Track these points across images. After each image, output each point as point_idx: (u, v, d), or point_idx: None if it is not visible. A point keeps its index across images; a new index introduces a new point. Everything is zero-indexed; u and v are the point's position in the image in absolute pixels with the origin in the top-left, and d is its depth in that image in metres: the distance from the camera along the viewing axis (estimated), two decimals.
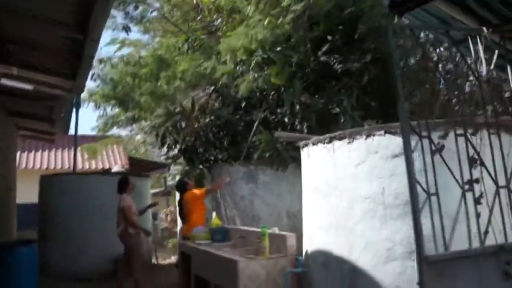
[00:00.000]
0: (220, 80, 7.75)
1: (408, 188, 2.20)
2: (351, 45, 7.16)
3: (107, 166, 15.97)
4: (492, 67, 2.34)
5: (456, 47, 2.40)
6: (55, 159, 16.53)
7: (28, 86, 7.37)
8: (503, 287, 2.06)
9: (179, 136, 8.43)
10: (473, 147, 2.23)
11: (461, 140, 2.38)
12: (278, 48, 7.05)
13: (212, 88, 8.47)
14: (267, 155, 6.86)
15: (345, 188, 4.02)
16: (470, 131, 2.23)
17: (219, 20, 8.91)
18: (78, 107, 9.13)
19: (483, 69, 2.31)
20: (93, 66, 8.10)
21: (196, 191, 6.65)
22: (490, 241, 2.18)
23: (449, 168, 2.22)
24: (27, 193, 11.18)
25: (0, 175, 8.76)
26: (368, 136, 3.88)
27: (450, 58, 2.59)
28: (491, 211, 2.16)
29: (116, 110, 9.36)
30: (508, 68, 2.35)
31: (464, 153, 2.27)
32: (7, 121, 9.27)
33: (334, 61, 7.27)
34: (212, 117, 8.36)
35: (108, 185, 8.18)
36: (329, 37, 7.26)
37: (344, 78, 7.05)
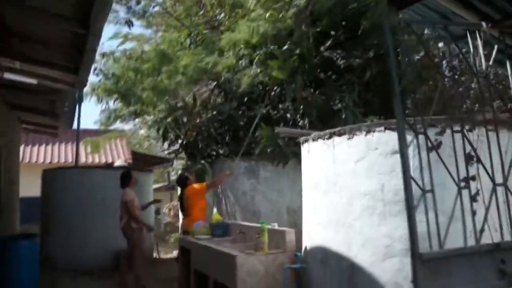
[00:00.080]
0: (222, 75, 7.74)
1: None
2: (354, 41, 7.13)
3: (110, 161, 16.00)
4: (491, 62, 2.30)
5: (455, 43, 2.37)
6: (59, 153, 16.57)
7: (32, 81, 7.40)
8: (498, 286, 2.05)
9: (181, 131, 8.43)
10: (470, 144, 2.20)
11: (460, 137, 2.35)
12: (280, 42, 7.02)
13: (215, 83, 8.46)
14: (268, 150, 6.85)
15: (345, 184, 3.99)
16: (467, 127, 2.21)
17: (222, 15, 8.88)
18: (80, 101, 9.13)
19: (482, 64, 2.28)
20: (95, 60, 8.12)
21: (197, 186, 6.65)
22: (486, 239, 2.16)
23: (444, 165, 2.20)
24: (30, 187, 11.23)
25: (3, 169, 8.79)
26: (368, 132, 3.84)
27: (448, 54, 2.55)
28: (487, 209, 2.14)
29: (119, 104, 9.36)
30: (508, 63, 2.32)
31: (462, 150, 2.24)
32: (9, 115, 9.30)
33: (337, 56, 7.24)
34: (214, 112, 8.36)
35: (110, 179, 8.22)
36: (332, 32, 7.22)
37: (346, 74, 7.02)
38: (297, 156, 5.44)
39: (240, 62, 7.58)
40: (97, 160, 16.18)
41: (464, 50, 2.66)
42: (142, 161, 16.77)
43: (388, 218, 3.67)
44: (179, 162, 10.79)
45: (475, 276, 2.02)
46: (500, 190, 2.23)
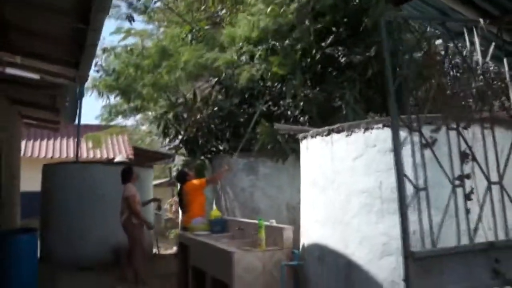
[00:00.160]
0: (223, 71, 7.72)
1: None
2: (356, 38, 7.10)
3: (111, 156, 16.02)
4: (487, 59, 2.28)
5: (452, 39, 2.35)
6: (60, 148, 16.60)
7: (34, 76, 7.40)
8: (492, 285, 2.03)
9: (181, 126, 8.42)
10: (465, 142, 2.18)
11: (457, 135, 2.33)
12: (281, 38, 6.99)
13: (216, 79, 8.44)
14: (269, 147, 6.83)
15: (343, 182, 3.98)
16: (462, 125, 2.19)
17: (223, 11, 8.85)
18: (81, 96, 9.12)
19: (479, 61, 2.26)
20: (96, 55, 8.10)
21: (196, 182, 6.63)
22: (480, 238, 2.14)
23: (439, 163, 2.18)
24: (31, 181, 11.23)
25: (4, 164, 8.80)
26: (366, 129, 3.82)
27: (446, 51, 2.53)
28: (481, 207, 2.12)
29: (119, 99, 9.35)
30: (505, 60, 2.29)
31: (459, 148, 2.22)
32: (10, 109, 9.30)
33: (338, 53, 7.20)
34: (215, 108, 8.34)
35: (111, 175, 8.21)
36: (333, 29, 7.19)
37: (347, 71, 6.99)
38: (297, 152, 5.43)
39: (241, 58, 7.56)
40: (98, 156, 16.20)
41: (460, 45, 2.63)
42: (144, 157, 16.77)
43: (385, 216, 3.65)
44: (180, 158, 10.79)
45: (468, 275, 2.00)
46: (495, 188, 2.21)
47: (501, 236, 2.17)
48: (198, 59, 7.38)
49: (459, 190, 2.17)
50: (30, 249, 6.00)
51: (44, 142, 16.68)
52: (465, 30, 2.24)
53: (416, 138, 2.24)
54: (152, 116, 9.17)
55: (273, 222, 4.95)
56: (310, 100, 6.83)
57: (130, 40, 9.95)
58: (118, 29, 9.78)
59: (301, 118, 7.14)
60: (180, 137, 8.55)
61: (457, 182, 2.16)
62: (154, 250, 10.06)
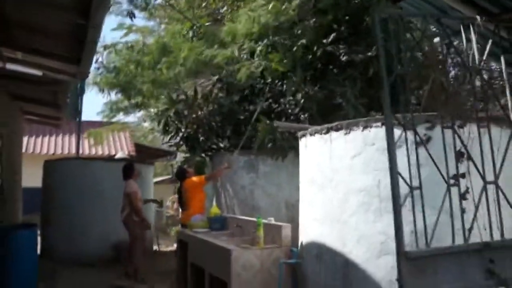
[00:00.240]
0: (223, 68, 7.70)
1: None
2: (357, 36, 7.07)
3: (113, 153, 16.04)
4: (484, 56, 2.26)
5: (449, 37, 2.32)
6: (62, 144, 16.64)
7: (36, 72, 7.41)
8: (485, 285, 2.02)
9: (182, 124, 8.41)
10: (461, 140, 2.16)
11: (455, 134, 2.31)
12: (282, 34, 6.97)
13: (216, 77, 8.43)
14: (269, 145, 6.82)
15: (341, 180, 3.96)
16: (458, 123, 2.17)
17: (225, 8, 8.83)
18: (82, 92, 9.14)
19: (476, 59, 2.24)
20: (97, 52, 8.11)
21: (195, 179, 6.63)
22: (475, 238, 2.12)
23: (434, 161, 2.16)
24: (33, 177, 11.26)
25: (5, 159, 8.83)
26: (365, 127, 3.81)
27: (447, 48, 2.50)
28: (477, 207, 2.10)
29: (120, 96, 9.35)
30: (502, 57, 2.27)
31: (454, 147, 2.20)
32: (11, 105, 9.32)
33: (339, 51, 7.18)
34: (215, 106, 8.33)
35: (111, 171, 8.22)
36: (335, 26, 7.16)
37: (348, 69, 6.97)
38: (296, 150, 5.42)
39: (242, 55, 7.54)
40: (100, 152, 16.23)
41: (459, 43, 2.61)
42: (146, 154, 16.81)
43: (383, 214, 3.63)
44: (181, 155, 10.79)
45: (462, 275, 1.98)
46: (491, 188, 2.19)
47: (497, 236, 2.15)
48: (198, 55, 7.36)
49: (455, 190, 2.16)
50: (30, 245, 6.01)
51: (46, 138, 16.72)
52: (462, 28, 2.21)
53: (411, 137, 2.23)
54: (153, 113, 9.15)
55: (272, 220, 4.95)
56: (311, 97, 6.81)
57: (132, 37, 9.96)
58: (120, 26, 9.77)
59: (302, 116, 7.12)
60: (180, 134, 8.54)
61: (452, 182, 2.15)
62: (155, 247, 10.08)
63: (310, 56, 7.09)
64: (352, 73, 6.87)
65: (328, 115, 6.46)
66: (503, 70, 2.26)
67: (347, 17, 7.14)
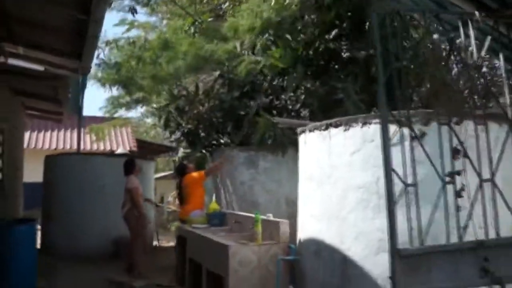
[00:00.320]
0: (224, 63, 7.68)
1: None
2: (360, 33, 7.03)
3: (115, 148, 16.06)
4: (483, 53, 2.23)
5: (449, 34, 2.30)
6: (64, 139, 16.66)
7: (38, 67, 7.41)
8: (480, 284, 2.00)
9: (183, 119, 8.40)
10: (457, 137, 2.14)
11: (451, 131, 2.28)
12: (284, 29, 6.95)
13: (218, 72, 8.41)
14: (269, 141, 6.80)
15: (340, 177, 3.94)
16: (454, 120, 2.15)
17: (226, 4, 8.80)
18: (83, 87, 9.13)
19: (474, 55, 2.21)
20: (98, 48, 8.09)
21: (195, 174, 6.61)
22: (470, 236, 2.10)
23: (429, 158, 2.14)
24: (35, 172, 11.27)
25: (6, 154, 8.84)
26: (364, 124, 3.79)
27: (450, 44, 2.47)
28: (472, 205, 2.08)
29: (121, 91, 9.33)
30: (500, 54, 2.25)
31: (450, 144, 2.18)
32: (13, 100, 9.33)
33: (341, 48, 7.14)
34: (216, 102, 8.31)
35: (112, 167, 8.21)
36: (337, 23, 7.12)
37: (350, 66, 6.94)
38: (296, 146, 5.40)
39: (243, 50, 7.52)
40: (102, 147, 16.24)
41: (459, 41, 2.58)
42: (148, 149, 16.83)
43: (382, 211, 3.57)
44: (184, 151, 10.78)
45: (456, 273, 1.96)
46: (487, 186, 2.16)
47: (492, 235, 2.13)
48: (198, 50, 7.34)
49: (450, 187, 2.14)
50: (29, 240, 6.00)
51: (48, 134, 16.75)
52: (460, 24, 2.19)
53: (402, 132, 2.21)
54: (155, 109, 9.14)
55: (270, 216, 4.94)
56: (312, 93, 6.78)
57: (134, 32, 9.93)
58: (122, 21, 9.76)
59: (303, 112, 7.10)
60: (181, 129, 8.53)
61: (447, 179, 2.13)
62: (155, 243, 10.08)
63: (312, 52, 7.06)
64: (353, 69, 6.84)
65: (329, 111, 6.43)
66: (502, 66, 2.23)
67: (349, 14, 7.10)
